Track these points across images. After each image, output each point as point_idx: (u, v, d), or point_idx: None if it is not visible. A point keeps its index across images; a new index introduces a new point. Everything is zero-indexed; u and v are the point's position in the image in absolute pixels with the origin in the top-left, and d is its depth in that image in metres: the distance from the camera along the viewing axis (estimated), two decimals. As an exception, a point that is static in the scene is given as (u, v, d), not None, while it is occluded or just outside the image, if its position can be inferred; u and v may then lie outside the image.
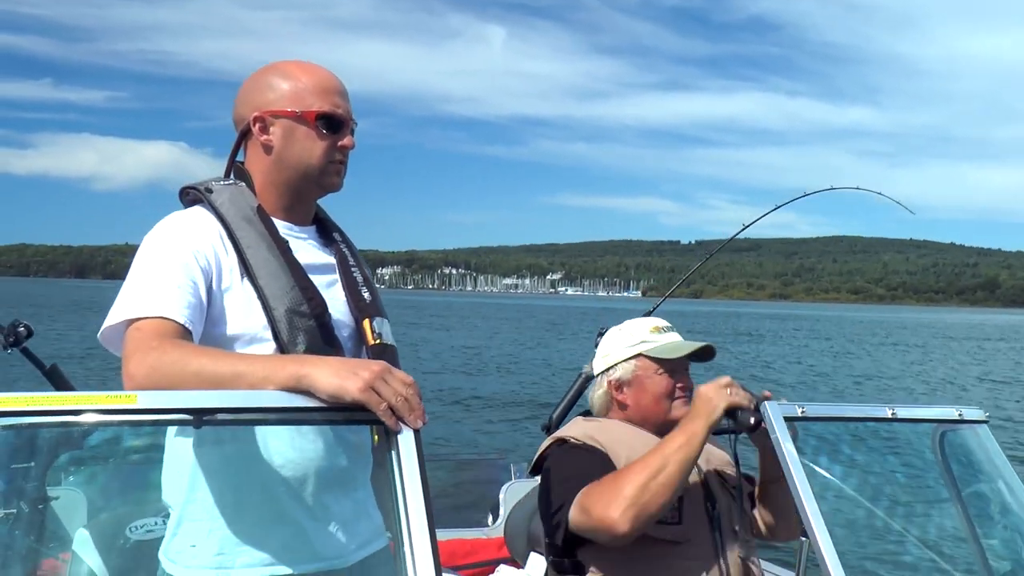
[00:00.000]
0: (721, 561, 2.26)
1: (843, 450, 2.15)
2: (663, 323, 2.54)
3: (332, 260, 1.95)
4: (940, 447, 2.11)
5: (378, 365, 1.45)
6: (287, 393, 1.47)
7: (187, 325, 1.65)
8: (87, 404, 1.43)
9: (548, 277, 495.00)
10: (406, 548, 1.33)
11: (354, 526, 1.83)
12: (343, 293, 1.92)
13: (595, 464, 2.30)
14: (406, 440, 1.42)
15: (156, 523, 2.02)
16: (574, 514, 2.23)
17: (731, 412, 2.12)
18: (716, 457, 2.44)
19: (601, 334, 3.65)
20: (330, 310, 1.85)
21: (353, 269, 1.96)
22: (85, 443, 2.35)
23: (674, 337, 2.50)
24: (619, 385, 2.48)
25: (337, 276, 1.94)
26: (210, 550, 1.72)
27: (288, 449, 1.76)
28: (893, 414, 1.92)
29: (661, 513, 2.16)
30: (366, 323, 1.89)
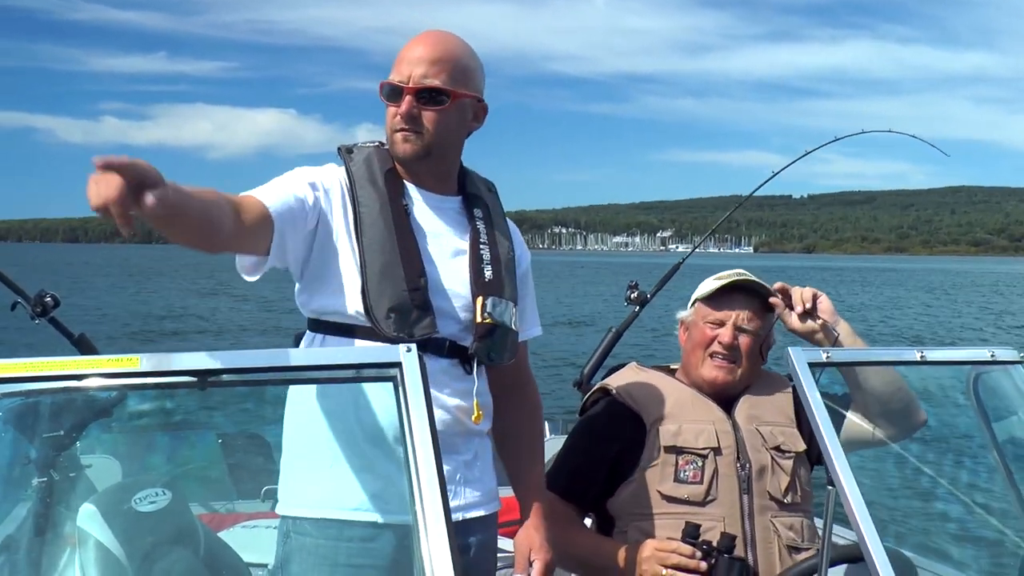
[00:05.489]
0: (745, 523, 2.20)
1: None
2: (726, 273, 2.44)
3: (466, 232, 1.99)
4: (975, 390, 2.04)
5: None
6: (290, 353, 1.48)
7: (270, 208, 1.74)
8: (89, 368, 1.43)
9: (658, 235, 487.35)
10: (420, 524, 1.32)
11: (454, 485, 1.90)
12: (466, 267, 1.95)
13: (601, 457, 2.34)
14: (418, 410, 1.41)
15: (158, 494, 2.04)
16: None
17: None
18: (768, 412, 2.34)
19: (631, 287, 3.62)
20: (445, 280, 1.91)
21: (482, 246, 1.98)
22: (116, 411, 2.37)
23: (730, 278, 2.40)
24: (684, 327, 2.48)
25: (466, 249, 1.97)
26: (313, 495, 1.87)
27: (386, 411, 1.82)
28: (922, 357, 1.84)
29: None
30: (479, 300, 1.93)
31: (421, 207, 1.95)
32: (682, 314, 2.49)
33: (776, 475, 2.25)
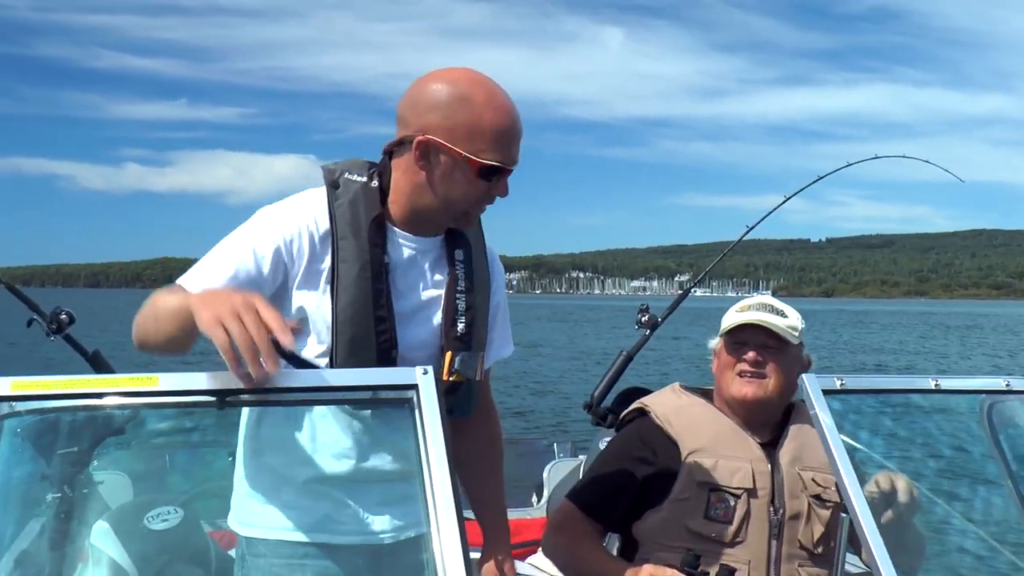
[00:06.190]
0: (771, 569, 2.16)
1: (885, 424, 2.08)
2: (752, 302, 2.41)
3: (443, 279, 1.88)
4: (988, 420, 2.03)
5: (240, 298, 1.41)
6: (306, 375, 1.50)
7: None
8: (108, 387, 1.44)
9: (676, 279, 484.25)
10: (434, 533, 1.34)
11: (403, 507, 1.86)
12: (439, 318, 1.87)
13: (630, 480, 2.32)
14: (434, 432, 1.41)
15: (171, 512, 2.04)
16: (561, 503, 2.36)
17: None
18: (813, 457, 2.26)
19: (641, 310, 3.63)
20: (417, 335, 1.84)
21: (459, 296, 1.87)
22: (131, 428, 2.39)
23: (744, 316, 2.35)
24: (715, 355, 2.44)
25: (441, 298, 1.87)
26: (265, 515, 1.84)
27: (340, 434, 1.82)
28: (936, 385, 1.84)
29: None
30: (448, 356, 1.85)
31: (402, 255, 1.84)
32: (712, 343, 2.46)
33: (811, 524, 2.20)
